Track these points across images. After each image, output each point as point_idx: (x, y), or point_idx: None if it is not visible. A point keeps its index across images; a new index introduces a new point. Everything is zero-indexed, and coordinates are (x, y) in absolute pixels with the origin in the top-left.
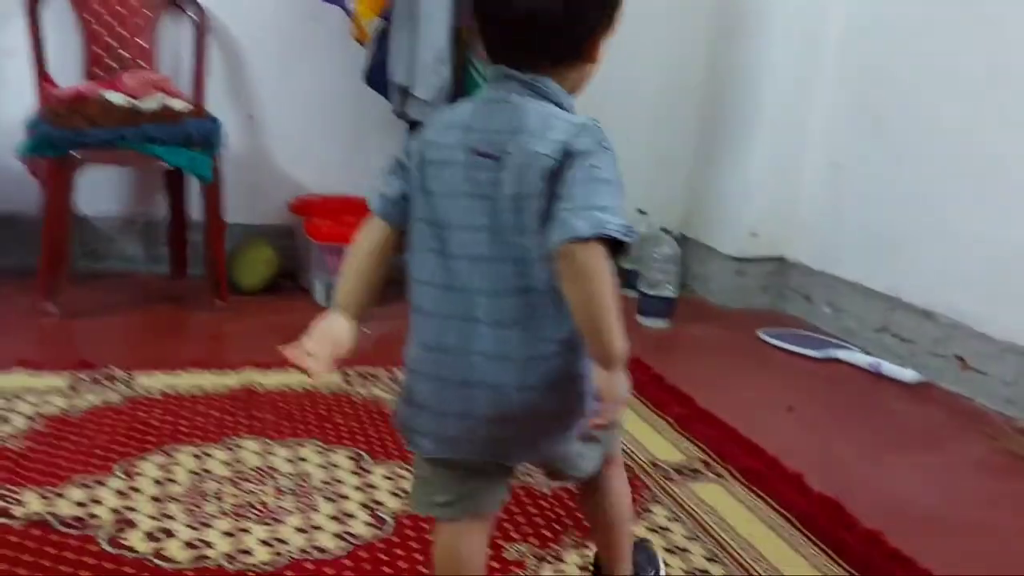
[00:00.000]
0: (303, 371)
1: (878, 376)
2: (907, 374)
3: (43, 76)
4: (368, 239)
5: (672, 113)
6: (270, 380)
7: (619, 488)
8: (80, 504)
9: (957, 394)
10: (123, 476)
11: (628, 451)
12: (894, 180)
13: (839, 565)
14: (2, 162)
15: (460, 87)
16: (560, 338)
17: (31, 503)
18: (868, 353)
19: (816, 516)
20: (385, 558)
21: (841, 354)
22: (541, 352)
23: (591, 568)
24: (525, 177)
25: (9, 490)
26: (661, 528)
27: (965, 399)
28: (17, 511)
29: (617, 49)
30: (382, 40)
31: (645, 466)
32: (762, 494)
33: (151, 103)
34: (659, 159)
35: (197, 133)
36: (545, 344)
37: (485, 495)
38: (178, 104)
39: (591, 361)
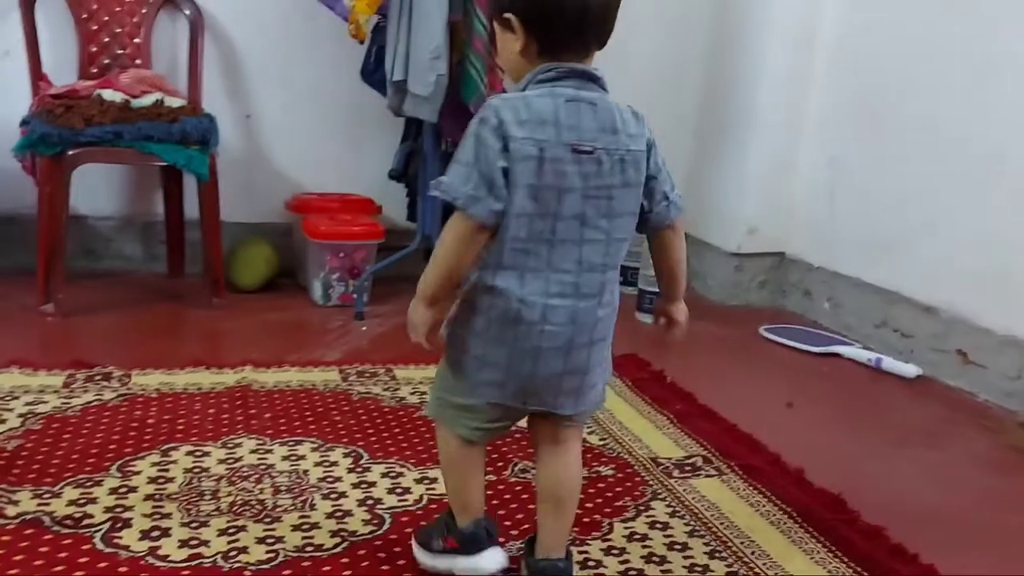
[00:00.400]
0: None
1: (878, 371)
2: (908, 369)
3: (39, 75)
4: (474, 248)
5: (670, 111)
6: (267, 378)
7: (578, 454)
8: (75, 503)
9: (958, 389)
10: (119, 475)
11: (628, 448)
12: (892, 175)
13: (841, 560)
14: None
15: (456, 82)
16: (615, 304)
17: (25, 502)
18: (868, 348)
19: (817, 511)
20: (383, 556)
21: (841, 349)
22: (606, 315)
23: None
24: (627, 170)
25: (3, 489)
26: (661, 524)
27: (966, 393)
28: (10, 510)
29: (615, 48)
30: (378, 37)
31: (645, 462)
32: (763, 489)
33: (147, 101)
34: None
35: (194, 131)
36: (606, 309)
37: (506, 429)
38: (174, 102)
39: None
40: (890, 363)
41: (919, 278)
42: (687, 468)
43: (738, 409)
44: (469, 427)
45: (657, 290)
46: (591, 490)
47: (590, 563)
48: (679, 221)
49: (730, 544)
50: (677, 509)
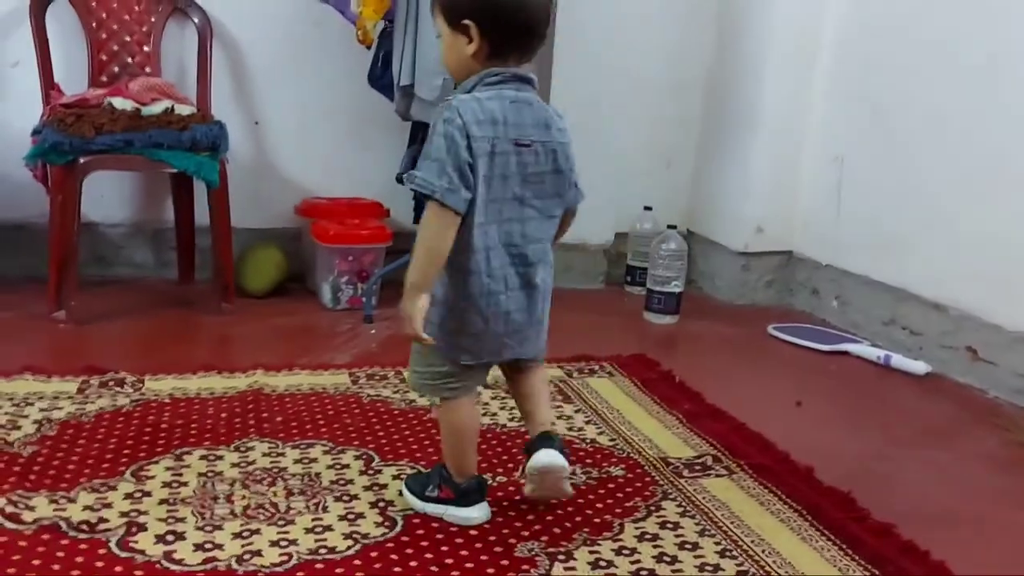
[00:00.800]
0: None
1: (888, 369)
2: (917, 366)
3: (50, 84)
4: (451, 235)
5: (675, 110)
6: (278, 382)
7: (544, 372)
8: (90, 508)
9: (968, 386)
10: (133, 479)
11: (637, 448)
12: (897, 171)
13: (851, 558)
14: (10, 170)
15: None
16: (552, 264)
17: (41, 508)
18: (877, 346)
19: (827, 509)
20: (395, 558)
21: (850, 347)
22: (550, 275)
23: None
24: (557, 160)
25: (20, 495)
26: (672, 524)
27: (976, 391)
28: (27, 516)
29: (619, 48)
30: (385, 42)
31: (655, 462)
32: (773, 488)
33: (157, 108)
34: (663, 156)
35: (203, 138)
36: (549, 270)
37: (482, 382)
38: (184, 109)
39: None
40: (899, 360)
41: (928, 275)
42: (697, 468)
43: (747, 408)
44: (450, 388)
45: (665, 291)
46: (601, 491)
47: (601, 563)
48: (577, 206)
49: (741, 543)
50: (687, 509)
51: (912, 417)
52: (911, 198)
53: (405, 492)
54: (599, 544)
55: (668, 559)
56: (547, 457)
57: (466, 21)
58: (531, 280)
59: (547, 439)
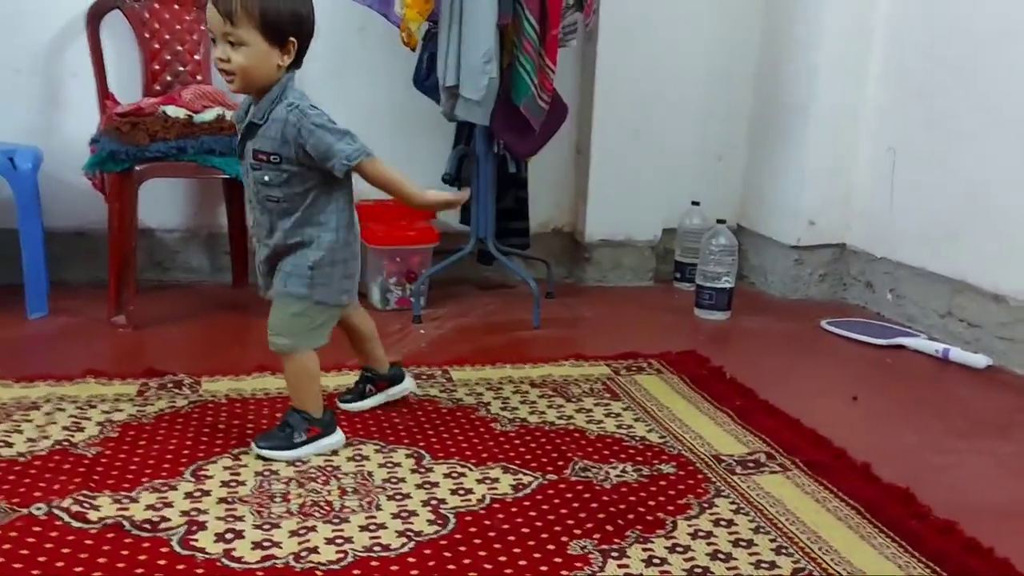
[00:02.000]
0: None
1: (946, 362)
2: (977, 359)
3: (105, 94)
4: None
5: (724, 104)
6: (329, 382)
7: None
8: (152, 507)
9: None
10: (192, 479)
11: (689, 445)
12: (952, 161)
13: (912, 556)
14: (69, 179)
15: (506, 84)
16: None
17: (105, 507)
18: (934, 339)
19: (885, 506)
20: (449, 555)
21: (907, 341)
22: None
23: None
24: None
25: (85, 495)
26: (726, 521)
27: None
28: (93, 515)
29: (669, 43)
30: (430, 44)
31: (707, 460)
32: (829, 485)
33: (209, 116)
34: (712, 150)
35: None
36: None
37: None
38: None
39: None
40: (958, 353)
41: (985, 266)
42: (750, 465)
43: (801, 404)
44: (325, 334)
45: (716, 287)
46: (652, 488)
47: (655, 560)
48: None
49: (797, 540)
50: (741, 506)
51: (972, 411)
52: (966, 188)
53: (267, 453)
54: (652, 542)
55: (723, 556)
56: (411, 383)
57: (292, 39)
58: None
59: (401, 368)
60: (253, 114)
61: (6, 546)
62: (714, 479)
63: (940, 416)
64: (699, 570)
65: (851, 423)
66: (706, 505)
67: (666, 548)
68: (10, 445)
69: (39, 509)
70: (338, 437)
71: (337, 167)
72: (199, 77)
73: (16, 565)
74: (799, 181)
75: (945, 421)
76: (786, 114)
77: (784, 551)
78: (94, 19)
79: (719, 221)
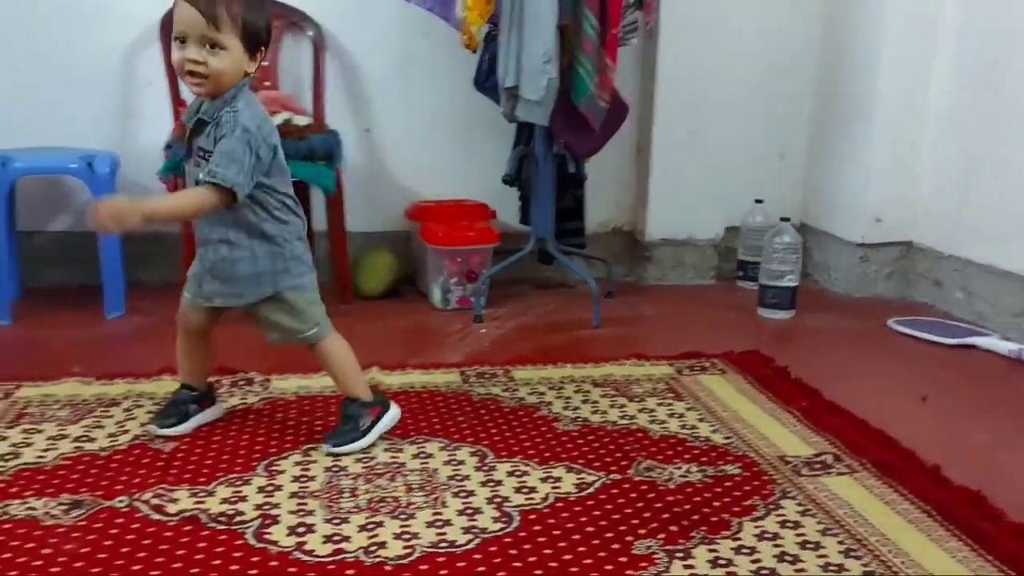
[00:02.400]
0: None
1: (1019, 362)
2: None
3: (178, 101)
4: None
5: (785, 101)
6: (392, 380)
7: None
8: (227, 501)
9: None
10: (265, 474)
11: (754, 446)
12: (1022, 156)
13: (985, 559)
14: (146, 184)
15: (565, 85)
16: None
17: (183, 500)
18: (1007, 339)
19: (956, 508)
20: (514, 552)
21: (978, 341)
22: None
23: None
24: None
25: (164, 489)
26: (792, 523)
27: None
28: (171, 508)
29: (730, 41)
30: (490, 46)
31: (772, 461)
32: (898, 487)
33: (276, 120)
34: (775, 148)
35: (320, 147)
36: None
37: None
38: (301, 120)
39: None
40: None
41: None
42: (817, 466)
43: (868, 404)
44: (327, 317)
45: (780, 285)
46: (717, 489)
47: (720, 562)
48: None
49: (866, 542)
50: (808, 508)
51: None
52: None
53: (342, 449)
54: (717, 543)
55: (790, 558)
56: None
57: (262, 47)
58: None
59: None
60: (204, 111)
61: (91, 536)
62: (780, 480)
63: (1013, 416)
64: (765, 572)
65: (920, 423)
66: (772, 507)
67: (732, 549)
68: (92, 440)
69: (121, 502)
70: (396, 410)
71: (203, 175)
72: (267, 82)
73: (101, 555)
74: (863, 179)
75: (1018, 421)
76: (850, 110)
77: (853, 554)
78: (167, 28)
79: (783, 219)
